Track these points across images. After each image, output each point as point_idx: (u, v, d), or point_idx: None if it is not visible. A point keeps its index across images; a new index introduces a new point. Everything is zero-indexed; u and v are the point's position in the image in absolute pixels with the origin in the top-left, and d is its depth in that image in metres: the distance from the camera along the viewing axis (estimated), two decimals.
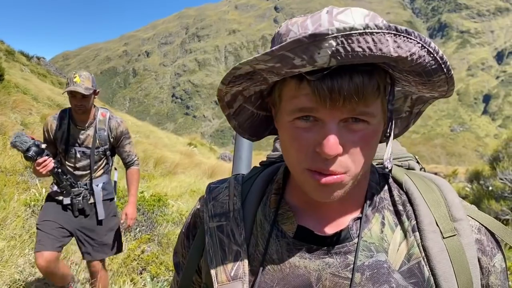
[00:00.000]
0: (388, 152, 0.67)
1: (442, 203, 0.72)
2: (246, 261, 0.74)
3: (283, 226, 0.75)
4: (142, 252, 4.38)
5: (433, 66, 0.59)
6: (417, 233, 0.70)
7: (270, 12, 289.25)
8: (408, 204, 0.73)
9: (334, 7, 0.62)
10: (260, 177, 0.84)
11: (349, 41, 0.53)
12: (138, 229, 5.05)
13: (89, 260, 3.25)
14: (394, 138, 0.79)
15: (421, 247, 0.69)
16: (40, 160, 2.71)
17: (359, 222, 0.71)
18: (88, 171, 3.12)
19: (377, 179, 0.77)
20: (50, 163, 2.76)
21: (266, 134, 0.86)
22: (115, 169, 3.42)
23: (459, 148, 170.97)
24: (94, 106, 3.15)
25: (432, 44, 0.57)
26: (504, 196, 7.15)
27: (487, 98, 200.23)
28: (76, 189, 3.08)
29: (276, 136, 0.91)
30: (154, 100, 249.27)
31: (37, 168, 2.73)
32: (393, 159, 0.85)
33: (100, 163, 3.16)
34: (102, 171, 3.19)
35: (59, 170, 2.92)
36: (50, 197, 3.13)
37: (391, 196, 0.76)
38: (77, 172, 3.10)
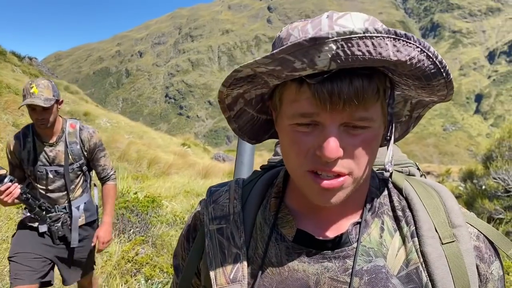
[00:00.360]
0: (389, 155, 0.68)
1: (442, 209, 0.72)
2: (245, 264, 0.74)
3: (282, 229, 0.75)
4: (136, 254, 4.35)
5: (432, 71, 0.59)
6: (415, 239, 0.70)
7: (263, 12, 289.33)
8: (407, 210, 0.74)
9: (334, 12, 0.62)
10: (261, 181, 0.84)
11: (349, 44, 0.54)
12: (132, 231, 5.02)
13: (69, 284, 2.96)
14: (394, 142, 0.79)
15: (419, 253, 0.69)
16: (1, 188, 2.37)
17: (359, 226, 0.72)
18: (65, 192, 2.76)
19: (377, 184, 0.78)
20: (16, 189, 2.43)
21: (266, 138, 0.86)
22: (94, 185, 3.11)
23: (452, 147, 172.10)
24: (61, 117, 2.78)
25: (432, 49, 0.57)
26: (497, 195, 7.18)
27: (479, 98, 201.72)
28: (54, 214, 2.74)
29: (277, 140, 0.91)
30: (148, 100, 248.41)
31: (1, 197, 2.40)
32: (394, 165, 0.86)
33: (77, 181, 2.82)
34: (80, 189, 2.85)
35: (29, 196, 2.57)
36: (23, 224, 2.77)
37: (391, 201, 0.76)
38: (52, 195, 2.74)
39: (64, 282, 2.93)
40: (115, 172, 3.02)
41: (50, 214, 2.73)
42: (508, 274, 4.22)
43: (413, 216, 0.72)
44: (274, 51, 0.57)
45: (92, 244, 2.89)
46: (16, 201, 2.49)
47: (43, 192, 2.73)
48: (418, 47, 0.56)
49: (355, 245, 0.70)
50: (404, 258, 0.70)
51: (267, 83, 0.67)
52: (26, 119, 10.98)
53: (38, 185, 2.73)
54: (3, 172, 2.43)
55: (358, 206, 0.74)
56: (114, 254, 4.32)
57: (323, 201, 0.65)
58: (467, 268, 0.67)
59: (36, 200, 2.65)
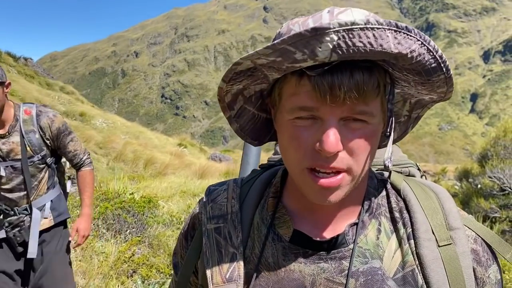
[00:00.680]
0: (389, 151, 0.67)
1: (439, 211, 0.72)
2: (241, 264, 0.74)
3: (279, 229, 0.75)
4: (133, 254, 4.34)
5: (433, 65, 0.59)
6: (412, 241, 0.70)
7: (259, 12, 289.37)
8: (405, 211, 0.73)
9: (335, 7, 0.62)
10: (259, 180, 0.84)
11: (350, 35, 0.53)
12: (128, 231, 5.00)
13: None
14: (393, 143, 0.78)
15: (415, 255, 0.69)
16: None
17: (355, 227, 0.72)
18: (25, 191, 2.35)
19: (375, 185, 0.77)
20: None
21: (268, 140, 0.85)
22: (68, 178, 2.74)
23: (447, 146, 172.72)
24: (13, 102, 2.36)
25: (432, 43, 0.57)
26: (493, 194, 7.22)
27: (474, 97, 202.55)
28: (15, 217, 2.36)
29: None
30: (144, 100, 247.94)
31: None
32: (394, 166, 0.86)
33: (40, 176, 2.41)
34: (46, 186, 2.45)
35: None
36: None
37: (389, 202, 0.76)
38: (10, 195, 2.35)
39: None
40: (89, 155, 2.64)
41: (9, 218, 2.35)
42: (504, 273, 4.25)
43: (410, 217, 0.72)
44: (275, 42, 0.56)
45: (70, 238, 2.51)
46: None
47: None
48: (419, 40, 0.56)
49: (351, 246, 0.70)
50: (400, 260, 0.70)
51: (267, 77, 0.66)
52: None
53: None
54: None
55: (355, 207, 0.74)
56: (110, 255, 4.31)
57: (322, 200, 0.65)
58: (464, 271, 0.67)
59: None
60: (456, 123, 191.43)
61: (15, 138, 2.31)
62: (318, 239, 0.71)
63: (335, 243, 0.71)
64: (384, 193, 0.77)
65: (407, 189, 0.76)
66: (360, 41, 0.54)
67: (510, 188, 6.94)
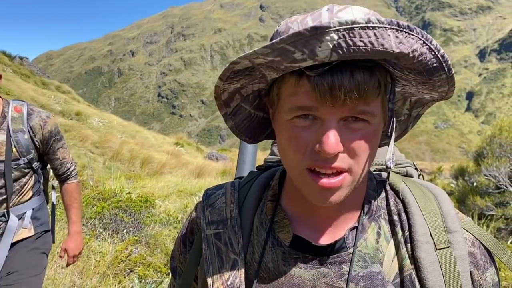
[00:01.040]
0: (390, 152, 0.66)
1: (438, 213, 0.72)
2: (243, 270, 0.73)
3: (279, 234, 0.75)
4: (130, 253, 4.34)
5: (434, 65, 0.58)
6: (408, 245, 0.70)
7: (256, 10, 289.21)
8: (403, 213, 0.73)
9: (334, 5, 0.61)
10: (257, 183, 0.83)
11: (351, 35, 0.52)
12: (125, 231, 5.00)
13: None
14: (393, 141, 0.76)
15: (411, 259, 0.69)
16: None
17: (355, 231, 0.71)
18: (5, 196, 2.09)
19: (374, 186, 0.77)
20: None
21: (263, 138, 0.84)
22: (53, 187, 2.50)
23: (443, 145, 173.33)
24: (1, 98, 2.14)
25: (434, 42, 0.56)
26: (488, 192, 7.25)
27: (470, 95, 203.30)
28: None
29: (273, 140, 0.90)
30: (140, 99, 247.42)
31: None
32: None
33: (24, 181, 2.15)
34: (30, 193, 2.20)
35: None
36: None
37: (388, 204, 0.75)
38: None
39: None
40: (76, 166, 2.40)
41: None
42: (500, 270, 4.26)
43: (409, 220, 0.71)
44: (274, 41, 0.55)
45: (60, 256, 2.34)
46: None
47: None
48: (420, 39, 0.55)
49: (351, 250, 0.70)
50: (398, 264, 0.70)
51: (265, 76, 0.65)
52: None
53: None
54: None
55: (355, 209, 0.73)
56: (107, 254, 4.31)
57: (322, 201, 0.64)
58: (461, 275, 0.67)
59: None
60: (452, 122, 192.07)
61: (1, 136, 2.06)
62: (318, 244, 0.71)
63: (335, 248, 0.70)
64: (383, 194, 0.76)
65: (406, 190, 0.75)
66: (361, 41, 0.53)
67: (505, 186, 6.98)
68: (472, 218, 6.19)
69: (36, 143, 2.16)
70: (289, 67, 0.58)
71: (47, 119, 2.18)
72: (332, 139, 0.58)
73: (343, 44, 0.53)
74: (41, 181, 2.30)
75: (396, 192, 0.76)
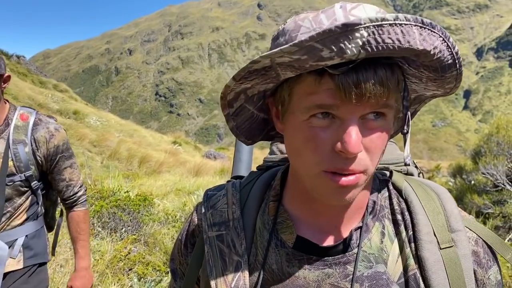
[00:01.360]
0: (407, 149, 0.66)
1: (441, 212, 0.71)
2: (246, 272, 0.73)
3: (282, 235, 0.74)
4: (129, 252, 4.34)
5: (449, 62, 0.59)
6: (412, 244, 0.70)
7: (253, 9, 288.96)
8: (406, 213, 0.73)
9: (346, 3, 0.60)
10: (258, 183, 0.82)
11: (380, 32, 0.52)
12: (124, 229, 5.00)
13: None
14: (389, 138, 0.75)
15: (415, 258, 0.69)
16: None
17: (359, 231, 0.71)
18: None
19: (377, 186, 0.76)
20: None
21: (260, 139, 0.84)
22: (61, 214, 2.14)
23: (441, 143, 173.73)
24: (8, 102, 1.90)
25: (451, 39, 0.56)
26: (486, 190, 7.28)
27: (467, 94, 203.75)
28: None
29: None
30: (137, 98, 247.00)
31: None
32: (392, 164, 0.84)
33: (19, 201, 1.83)
34: (23, 216, 1.87)
35: None
36: None
37: (391, 204, 0.75)
38: None
39: None
40: (85, 191, 2.06)
41: None
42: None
43: (412, 219, 0.71)
44: (302, 39, 0.53)
45: None
46: None
47: None
48: (441, 36, 0.55)
49: (355, 250, 0.69)
50: (403, 264, 0.70)
51: (279, 76, 0.63)
52: None
53: None
54: None
55: (359, 209, 0.72)
56: (106, 253, 4.31)
57: (339, 200, 0.63)
58: (464, 274, 0.67)
59: None
60: (450, 120, 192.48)
61: None
62: (322, 244, 0.70)
63: (339, 248, 0.70)
64: (386, 194, 0.76)
65: (408, 189, 0.75)
66: (389, 38, 0.53)
67: (503, 184, 7.00)
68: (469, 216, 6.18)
69: (38, 158, 1.85)
70: (314, 65, 0.56)
71: (55, 132, 1.88)
72: (354, 138, 0.58)
73: (373, 42, 0.52)
74: (40, 203, 1.95)
75: (399, 191, 0.76)
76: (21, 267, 1.84)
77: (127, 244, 4.52)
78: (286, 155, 0.89)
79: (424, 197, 0.73)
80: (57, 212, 2.20)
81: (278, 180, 0.79)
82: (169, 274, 4.04)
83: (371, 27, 0.52)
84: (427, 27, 0.54)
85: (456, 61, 0.59)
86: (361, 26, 0.51)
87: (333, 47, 0.53)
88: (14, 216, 1.83)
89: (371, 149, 0.61)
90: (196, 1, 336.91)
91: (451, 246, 0.68)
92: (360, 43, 0.52)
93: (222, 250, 0.75)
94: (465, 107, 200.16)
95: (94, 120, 16.97)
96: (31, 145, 1.83)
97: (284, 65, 0.59)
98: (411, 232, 0.70)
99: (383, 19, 0.51)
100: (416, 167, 0.91)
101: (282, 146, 0.92)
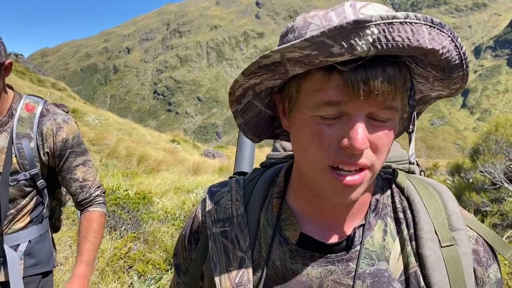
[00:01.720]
0: (412, 148, 0.68)
1: (443, 211, 0.72)
2: (250, 268, 0.73)
3: (286, 232, 0.75)
4: (129, 250, 4.35)
5: (456, 62, 0.59)
6: (414, 242, 0.70)
7: (252, 7, 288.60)
8: (408, 211, 0.73)
9: (356, 2, 0.61)
10: (262, 180, 0.83)
11: (390, 29, 0.53)
12: (123, 227, 5.01)
13: None
14: (395, 137, 0.77)
15: (416, 256, 0.69)
16: None
17: (362, 229, 0.72)
18: None
19: (380, 184, 0.77)
20: None
21: (266, 137, 0.84)
22: (77, 210, 1.85)
23: (439, 141, 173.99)
24: (12, 90, 1.71)
25: (459, 39, 0.57)
26: (484, 188, 7.29)
27: (465, 92, 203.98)
28: None
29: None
30: (136, 97, 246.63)
31: None
32: (394, 162, 0.84)
33: (22, 203, 1.63)
34: (27, 219, 1.66)
35: None
36: None
37: (393, 202, 0.76)
38: None
39: None
40: (104, 192, 1.82)
41: None
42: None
43: (414, 217, 0.72)
44: (314, 34, 0.54)
45: None
46: None
47: None
48: (449, 36, 0.56)
49: (358, 248, 0.70)
50: (404, 262, 0.70)
51: (287, 72, 0.63)
52: None
53: None
54: None
55: (362, 207, 0.73)
56: (106, 251, 4.32)
57: (343, 198, 0.64)
58: (464, 272, 0.67)
59: None
60: (448, 118, 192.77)
61: (1, 141, 1.59)
62: (325, 242, 0.71)
63: (342, 245, 0.71)
64: (389, 192, 0.77)
65: (410, 188, 0.75)
66: (399, 36, 0.53)
67: (501, 182, 7.03)
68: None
69: (45, 154, 1.63)
70: (324, 61, 0.57)
71: (63, 124, 1.65)
72: (361, 134, 0.58)
73: (383, 39, 0.53)
74: (46, 204, 1.73)
75: (401, 190, 0.76)
76: (22, 276, 1.65)
77: (127, 242, 4.53)
78: (289, 152, 0.90)
79: (426, 196, 0.74)
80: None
81: (282, 177, 0.80)
82: (169, 272, 4.09)
83: (382, 24, 0.52)
84: (437, 26, 0.54)
85: (463, 61, 0.59)
86: (372, 23, 0.52)
87: (344, 43, 0.53)
88: (17, 219, 1.64)
89: (378, 147, 0.62)
90: (195, 0, 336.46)
91: (452, 245, 0.69)
92: (371, 40, 0.53)
93: (226, 246, 0.75)
94: (463, 105, 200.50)
95: (92, 119, 16.95)
96: (37, 140, 1.61)
97: (293, 60, 0.59)
98: (413, 230, 0.71)
99: (393, 17, 0.52)
100: (418, 165, 0.91)
101: (285, 144, 0.93)
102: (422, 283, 0.68)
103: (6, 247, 1.59)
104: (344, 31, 0.53)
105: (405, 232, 0.72)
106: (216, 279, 0.73)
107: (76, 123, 1.75)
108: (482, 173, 7.38)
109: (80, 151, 1.70)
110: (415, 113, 0.67)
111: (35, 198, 1.67)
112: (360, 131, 0.58)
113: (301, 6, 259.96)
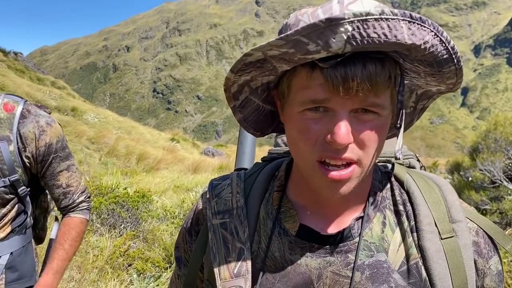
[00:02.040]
0: (399, 144, 0.67)
1: (442, 203, 0.73)
2: (249, 259, 0.74)
3: (285, 224, 0.75)
4: (128, 248, 4.36)
5: (445, 56, 0.59)
6: (415, 234, 0.71)
7: (251, 6, 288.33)
8: (408, 204, 0.74)
9: None
10: (262, 174, 0.84)
11: (365, 26, 0.53)
12: (123, 226, 5.01)
13: None
14: (395, 135, 0.78)
15: (418, 248, 0.70)
16: None
17: (361, 221, 0.72)
18: None
19: (379, 177, 0.78)
20: None
21: (269, 131, 0.85)
22: (56, 219, 1.75)
23: (439, 140, 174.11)
24: None
25: (445, 34, 0.57)
26: (483, 186, 7.30)
27: (465, 91, 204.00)
28: None
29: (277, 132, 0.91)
30: (135, 95, 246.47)
31: None
32: (393, 157, 0.85)
33: (2, 212, 1.50)
34: (8, 228, 1.53)
35: None
36: None
37: (393, 195, 0.76)
38: None
39: None
40: (89, 198, 1.71)
41: None
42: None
43: (414, 210, 0.73)
44: (288, 33, 0.55)
45: None
46: None
47: None
48: (432, 31, 0.56)
49: (357, 239, 0.71)
50: (404, 253, 0.71)
51: (276, 69, 0.65)
52: None
53: None
54: None
55: (361, 200, 0.74)
56: (105, 249, 4.32)
57: (332, 193, 0.65)
58: (465, 263, 0.68)
59: None
60: (447, 117, 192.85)
61: None
62: (324, 233, 0.72)
63: (341, 237, 0.71)
64: (388, 185, 0.77)
65: (410, 181, 0.76)
66: (375, 32, 0.53)
67: (500, 180, 7.04)
68: None
69: (26, 159, 1.50)
70: (302, 59, 0.58)
71: (46, 128, 1.52)
72: (343, 130, 0.59)
73: (357, 36, 0.53)
74: (29, 213, 1.60)
75: (401, 183, 0.77)
76: None
77: (126, 240, 4.53)
78: None
79: (425, 189, 0.75)
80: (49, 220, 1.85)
81: (283, 171, 0.81)
82: (168, 270, 4.10)
83: (356, 21, 0.52)
84: (417, 21, 0.54)
85: (453, 56, 0.59)
86: (346, 20, 0.52)
87: (319, 41, 0.54)
88: None
89: (364, 142, 0.62)
90: None
91: (452, 236, 0.69)
92: (345, 37, 0.53)
93: (225, 237, 0.76)
94: (463, 104, 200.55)
95: (92, 117, 16.93)
96: (17, 143, 1.47)
97: (276, 58, 0.61)
98: (413, 223, 0.72)
99: (368, 14, 0.52)
100: (418, 160, 0.91)
101: (286, 139, 0.90)
102: (424, 274, 0.68)
103: None
104: (318, 29, 0.53)
105: (406, 223, 0.72)
106: (216, 269, 0.74)
107: (60, 124, 1.62)
108: (481, 172, 7.39)
109: (64, 156, 1.60)
110: (403, 109, 0.67)
111: (16, 206, 1.54)
112: (342, 126, 0.59)
113: (301, 5, 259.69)
